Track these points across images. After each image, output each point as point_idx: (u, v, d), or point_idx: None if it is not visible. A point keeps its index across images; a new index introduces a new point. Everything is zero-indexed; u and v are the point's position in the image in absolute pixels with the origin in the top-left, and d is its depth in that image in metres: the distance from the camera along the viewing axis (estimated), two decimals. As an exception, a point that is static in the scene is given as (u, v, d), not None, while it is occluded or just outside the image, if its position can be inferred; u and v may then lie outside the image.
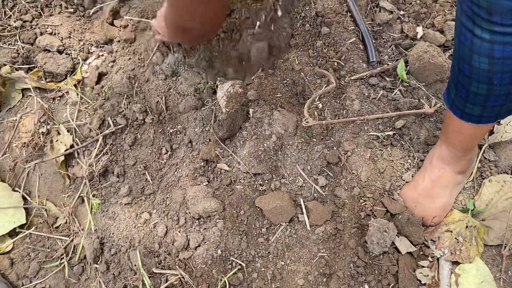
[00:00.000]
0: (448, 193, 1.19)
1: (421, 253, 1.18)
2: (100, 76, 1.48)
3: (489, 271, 1.13)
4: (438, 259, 1.18)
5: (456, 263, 1.16)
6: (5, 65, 1.51)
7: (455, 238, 1.17)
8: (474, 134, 1.05)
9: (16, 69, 1.49)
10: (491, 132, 1.29)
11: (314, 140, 1.28)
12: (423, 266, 1.17)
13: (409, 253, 1.17)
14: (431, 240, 1.18)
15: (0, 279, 1.21)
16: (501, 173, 1.24)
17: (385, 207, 1.20)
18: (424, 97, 1.34)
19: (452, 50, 1.41)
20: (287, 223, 1.19)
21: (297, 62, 1.36)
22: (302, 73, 1.35)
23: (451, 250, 1.16)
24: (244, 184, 1.24)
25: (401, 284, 1.12)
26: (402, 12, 1.51)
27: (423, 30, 1.45)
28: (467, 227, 1.18)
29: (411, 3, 1.52)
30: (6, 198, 1.35)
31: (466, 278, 1.14)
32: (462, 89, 0.92)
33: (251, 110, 1.32)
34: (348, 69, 1.35)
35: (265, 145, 1.26)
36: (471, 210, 1.20)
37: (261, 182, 1.24)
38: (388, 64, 1.40)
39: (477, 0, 0.74)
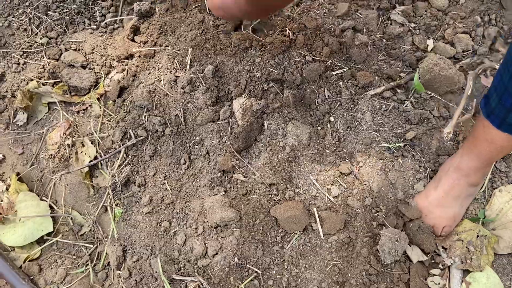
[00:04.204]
0: (459, 203, 1.22)
1: (433, 261, 1.22)
2: (122, 90, 1.55)
3: (500, 279, 1.16)
4: (449, 267, 1.20)
5: (467, 271, 1.19)
6: (32, 80, 1.59)
7: (466, 247, 1.20)
8: (507, 146, 1.06)
9: (43, 84, 1.57)
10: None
11: (327, 151, 1.33)
12: (434, 275, 1.20)
13: (421, 261, 1.20)
14: (442, 247, 1.21)
15: (30, 284, 1.28)
16: (511, 184, 1.27)
17: (399, 215, 1.23)
18: (435, 109, 1.38)
19: (462, 62, 1.44)
20: (301, 232, 1.23)
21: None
22: (313, 86, 1.40)
23: (462, 258, 1.19)
24: (260, 194, 1.29)
25: (413, 292, 1.16)
26: (413, 25, 1.54)
27: (433, 42, 1.48)
28: (478, 236, 1.21)
29: (421, 16, 1.56)
30: (34, 207, 1.42)
31: (476, 287, 1.17)
32: (508, 98, 0.92)
33: (266, 123, 1.37)
34: (362, 84, 1.39)
35: (280, 156, 1.31)
36: (482, 219, 1.23)
37: (276, 192, 1.29)
38: (400, 77, 1.44)
39: None
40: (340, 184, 1.29)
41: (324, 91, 1.39)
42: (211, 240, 1.25)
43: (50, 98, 1.56)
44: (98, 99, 1.54)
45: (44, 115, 1.58)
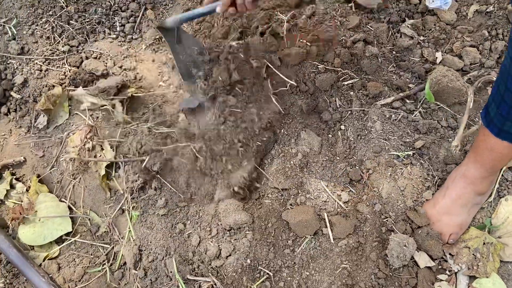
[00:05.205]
0: (466, 212, 1.25)
1: (440, 267, 1.25)
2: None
3: (505, 285, 1.19)
4: (456, 273, 1.24)
5: (473, 277, 1.22)
6: (53, 86, 1.65)
7: (473, 254, 1.23)
8: (506, 154, 1.10)
9: (75, 87, 1.63)
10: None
11: (338, 158, 1.37)
12: (441, 280, 1.23)
13: (428, 267, 1.23)
14: (450, 254, 1.25)
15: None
16: (517, 193, 1.30)
17: (407, 222, 1.27)
18: (443, 119, 1.42)
19: (469, 74, 1.48)
20: (311, 236, 1.27)
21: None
22: (325, 96, 1.45)
23: (468, 265, 1.22)
24: (272, 198, 1.33)
25: (420, 296, 1.19)
26: (422, 38, 1.59)
27: (442, 55, 1.53)
28: (484, 243, 1.24)
29: (430, 29, 1.61)
30: (54, 208, 1.48)
31: (483, 292, 1.20)
32: (505, 106, 0.98)
33: (278, 130, 1.41)
34: (372, 94, 1.44)
35: (292, 162, 1.36)
36: (488, 227, 1.26)
37: (288, 197, 1.34)
38: (409, 88, 1.48)
39: None
40: (350, 190, 1.33)
41: (336, 101, 1.45)
42: (224, 242, 1.29)
43: (82, 101, 1.60)
44: (122, 103, 1.58)
45: (65, 121, 1.63)
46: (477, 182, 1.21)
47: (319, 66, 1.48)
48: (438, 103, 1.44)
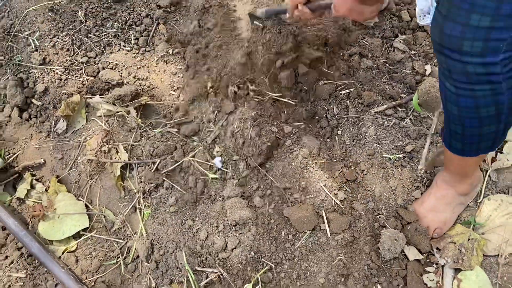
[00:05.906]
0: (451, 209, 1.37)
1: (428, 260, 1.36)
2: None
3: (487, 277, 1.30)
4: (442, 266, 1.34)
5: (458, 269, 1.33)
6: (72, 94, 1.78)
7: (458, 249, 1.34)
8: (463, 164, 1.25)
9: (93, 95, 1.76)
10: (494, 159, 1.46)
11: (335, 160, 1.49)
12: (429, 272, 1.34)
13: (417, 260, 1.34)
14: (437, 248, 1.36)
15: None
16: (499, 193, 1.41)
17: (398, 218, 1.38)
18: (431, 126, 1.54)
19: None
20: (310, 231, 1.39)
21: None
22: (323, 104, 1.58)
23: (454, 259, 1.33)
24: (275, 196, 1.45)
25: (409, 286, 1.30)
26: (413, 52, 1.73)
27: (431, 68, 1.66)
28: (469, 239, 1.35)
29: (421, 44, 1.74)
30: (72, 206, 1.60)
31: (467, 283, 1.30)
32: (447, 128, 1.13)
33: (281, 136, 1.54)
34: (367, 103, 1.57)
35: (293, 164, 1.48)
36: (473, 224, 1.37)
37: (289, 195, 1.45)
38: (400, 97, 1.61)
39: (441, 61, 0.95)
40: (346, 189, 1.45)
41: (333, 108, 1.58)
42: (230, 236, 1.40)
43: (99, 108, 1.73)
44: (136, 110, 1.71)
45: (82, 126, 1.76)
46: (456, 184, 1.34)
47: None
48: (426, 112, 1.56)
